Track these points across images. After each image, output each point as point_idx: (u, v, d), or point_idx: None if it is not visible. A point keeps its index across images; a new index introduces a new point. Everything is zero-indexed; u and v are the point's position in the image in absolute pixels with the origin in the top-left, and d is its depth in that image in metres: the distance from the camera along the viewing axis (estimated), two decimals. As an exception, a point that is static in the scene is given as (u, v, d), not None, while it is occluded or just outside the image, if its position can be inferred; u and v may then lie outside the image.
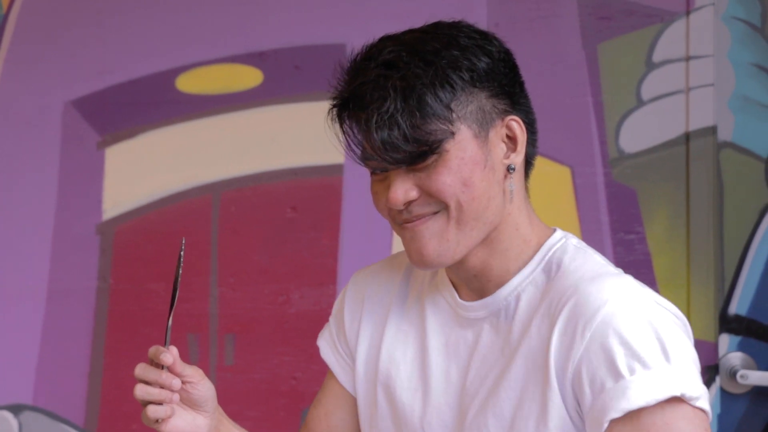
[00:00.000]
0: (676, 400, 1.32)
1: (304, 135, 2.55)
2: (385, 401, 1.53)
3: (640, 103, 2.42)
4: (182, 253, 1.49)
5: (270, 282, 2.58)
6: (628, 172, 2.42)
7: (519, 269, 1.46)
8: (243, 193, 2.60)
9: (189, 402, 1.50)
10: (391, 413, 1.53)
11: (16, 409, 2.70)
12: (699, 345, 2.37)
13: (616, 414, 1.32)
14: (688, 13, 2.40)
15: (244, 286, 2.60)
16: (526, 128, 1.45)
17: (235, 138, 2.61)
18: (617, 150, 2.43)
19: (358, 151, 1.41)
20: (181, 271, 1.48)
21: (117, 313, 2.66)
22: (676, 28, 2.40)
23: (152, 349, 1.46)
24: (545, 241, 1.47)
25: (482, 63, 1.40)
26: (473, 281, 1.47)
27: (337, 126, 1.42)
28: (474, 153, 1.39)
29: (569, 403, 1.37)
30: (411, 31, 1.44)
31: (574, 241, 1.47)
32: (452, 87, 1.38)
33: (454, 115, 1.38)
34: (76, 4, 2.69)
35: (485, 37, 1.44)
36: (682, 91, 2.40)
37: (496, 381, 1.43)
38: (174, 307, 1.47)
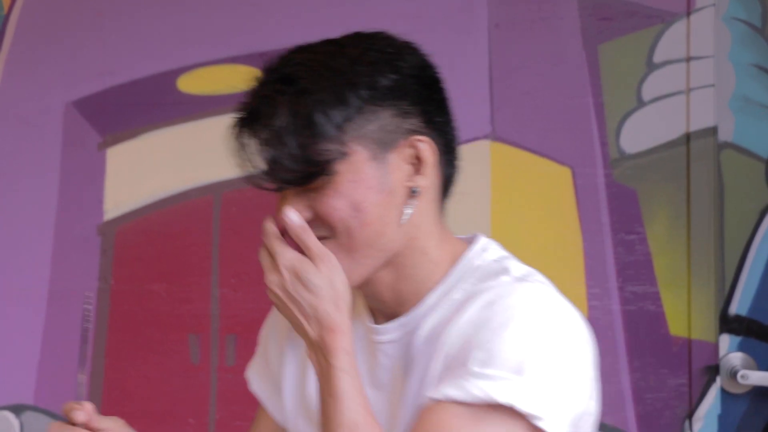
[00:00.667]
0: (499, 408, 1.25)
1: (305, 136, 2.55)
2: None
3: (641, 103, 2.42)
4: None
5: (271, 282, 2.58)
6: (628, 173, 2.42)
7: (430, 290, 1.38)
8: (244, 194, 2.60)
9: None
10: None
11: (17, 410, 2.70)
12: (699, 345, 2.40)
13: (437, 395, 1.28)
14: (688, 13, 2.40)
15: (245, 286, 2.59)
16: (442, 148, 1.36)
17: (236, 139, 2.61)
18: (618, 150, 2.43)
19: (253, 167, 1.34)
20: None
21: (118, 313, 2.66)
22: (677, 29, 2.41)
23: (66, 406, 1.42)
24: (459, 258, 1.39)
25: (386, 80, 1.32)
26: (384, 306, 1.41)
27: (235, 139, 1.34)
28: (368, 175, 1.31)
29: None
30: (325, 43, 1.37)
31: (493, 252, 1.40)
32: (346, 106, 1.30)
33: (346, 136, 1.30)
34: (77, 5, 2.69)
35: (399, 51, 1.36)
36: (682, 91, 2.40)
37: (404, 402, 1.36)
38: (86, 366, 1.46)
